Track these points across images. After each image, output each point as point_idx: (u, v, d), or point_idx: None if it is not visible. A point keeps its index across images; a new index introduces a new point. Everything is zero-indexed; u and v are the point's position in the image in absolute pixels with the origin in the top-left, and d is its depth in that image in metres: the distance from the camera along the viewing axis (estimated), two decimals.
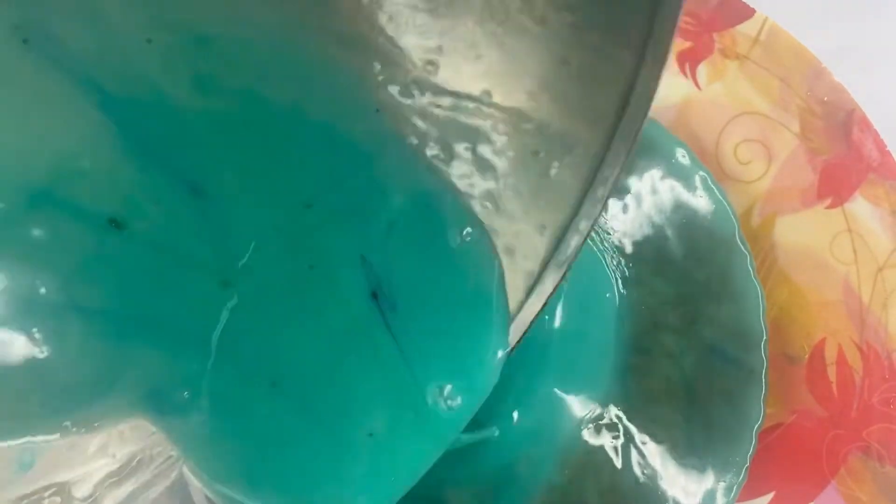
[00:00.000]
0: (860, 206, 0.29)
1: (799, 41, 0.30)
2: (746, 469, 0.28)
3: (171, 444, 0.20)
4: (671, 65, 0.32)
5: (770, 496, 0.29)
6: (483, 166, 0.22)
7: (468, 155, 0.22)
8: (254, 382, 0.21)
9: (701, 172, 0.29)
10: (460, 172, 0.22)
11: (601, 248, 0.31)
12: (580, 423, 0.29)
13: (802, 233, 0.30)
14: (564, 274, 0.22)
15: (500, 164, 0.22)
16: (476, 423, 0.27)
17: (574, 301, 0.30)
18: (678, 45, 0.31)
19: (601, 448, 0.29)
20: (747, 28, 0.31)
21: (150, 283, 0.20)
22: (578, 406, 0.29)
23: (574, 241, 0.21)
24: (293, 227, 0.21)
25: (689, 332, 0.29)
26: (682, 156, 0.29)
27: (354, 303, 0.21)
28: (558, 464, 0.28)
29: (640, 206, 0.30)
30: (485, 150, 0.22)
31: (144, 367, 0.20)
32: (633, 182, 0.30)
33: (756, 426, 0.28)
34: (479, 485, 0.29)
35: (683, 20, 0.31)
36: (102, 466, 0.21)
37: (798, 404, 0.30)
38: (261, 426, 0.21)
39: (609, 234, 0.30)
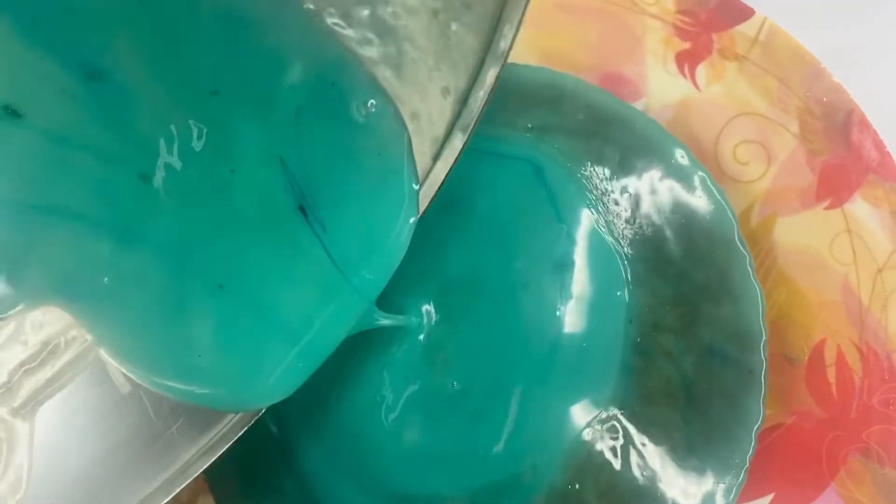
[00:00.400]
0: (860, 207, 0.29)
1: (798, 41, 0.30)
2: (746, 470, 0.28)
3: (85, 329, 0.20)
4: (670, 65, 0.32)
5: (769, 498, 0.29)
6: (383, 30, 0.22)
7: (368, 19, 0.22)
8: (171, 270, 0.21)
9: (700, 173, 0.29)
10: (360, 38, 0.22)
11: (615, 240, 0.30)
12: (584, 426, 0.29)
13: (802, 234, 0.30)
14: (469, 136, 0.22)
15: (401, 26, 0.22)
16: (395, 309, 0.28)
17: (585, 299, 0.29)
18: (677, 45, 0.31)
19: (601, 450, 0.28)
20: (746, 28, 0.30)
21: (56, 172, 0.20)
22: (583, 409, 0.29)
23: (478, 103, 0.22)
24: (203, 118, 0.21)
25: (687, 332, 0.29)
26: (681, 156, 0.29)
27: (274, 195, 0.21)
28: (561, 468, 0.28)
29: (638, 206, 0.30)
30: (385, 13, 0.22)
31: (56, 253, 0.20)
32: (632, 182, 0.30)
33: (756, 427, 0.28)
34: (481, 497, 0.29)
35: (682, 21, 0.31)
36: (17, 354, 0.21)
37: (797, 405, 0.29)
38: (178, 311, 0.21)
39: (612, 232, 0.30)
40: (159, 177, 0.20)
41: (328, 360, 0.22)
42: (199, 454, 0.22)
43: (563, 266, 0.30)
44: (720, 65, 0.31)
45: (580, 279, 0.30)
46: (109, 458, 0.21)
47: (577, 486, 0.28)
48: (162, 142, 0.20)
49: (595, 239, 0.30)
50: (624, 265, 0.30)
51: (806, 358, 0.30)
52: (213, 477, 0.31)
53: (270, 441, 0.30)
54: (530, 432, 0.28)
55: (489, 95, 0.22)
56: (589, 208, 0.30)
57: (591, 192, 0.30)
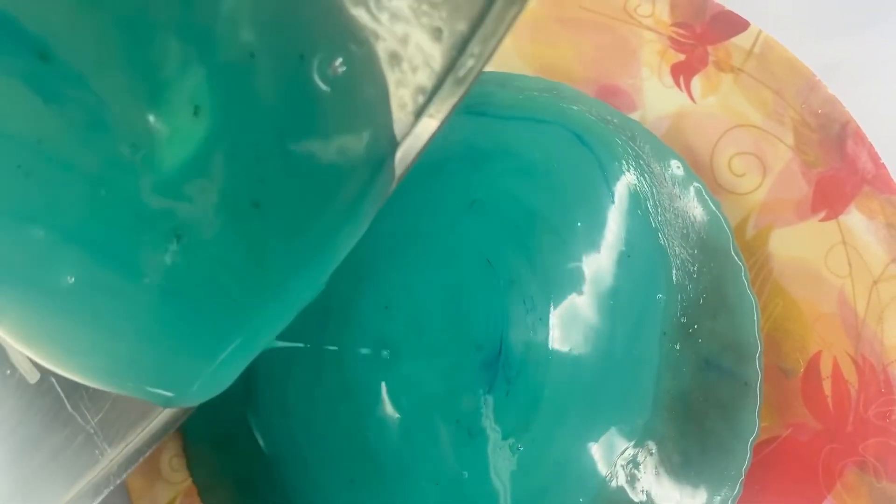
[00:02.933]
0: (855, 219, 0.29)
1: (793, 54, 0.30)
2: (741, 483, 0.28)
3: None
4: (666, 77, 0.32)
5: None
6: None
7: None
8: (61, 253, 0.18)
9: (696, 183, 0.29)
10: None
11: (660, 225, 0.29)
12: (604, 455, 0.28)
13: (797, 245, 0.30)
14: (463, 94, 0.18)
15: None
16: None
17: (624, 303, 0.28)
18: (673, 57, 0.31)
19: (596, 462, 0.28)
20: (741, 41, 0.31)
21: None
22: (609, 441, 0.28)
23: (476, 51, 0.17)
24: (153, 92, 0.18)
25: (685, 343, 0.29)
26: (676, 167, 0.29)
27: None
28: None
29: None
30: None
31: None
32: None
33: (751, 439, 0.28)
34: None
35: (678, 33, 0.31)
36: None
37: (793, 418, 0.29)
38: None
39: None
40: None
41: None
42: (125, 455, 0.19)
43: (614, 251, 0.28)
44: (715, 77, 0.31)
45: (629, 270, 0.28)
46: (19, 460, 0.19)
47: (571, 498, 0.28)
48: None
49: (644, 224, 0.29)
50: (668, 260, 0.29)
51: (802, 370, 0.29)
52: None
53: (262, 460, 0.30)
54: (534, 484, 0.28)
55: (493, 51, 0.18)
56: (636, 187, 0.29)
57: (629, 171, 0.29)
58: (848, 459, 0.28)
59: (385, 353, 0.29)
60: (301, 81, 0.18)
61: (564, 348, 0.28)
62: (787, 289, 0.30)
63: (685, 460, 0.28)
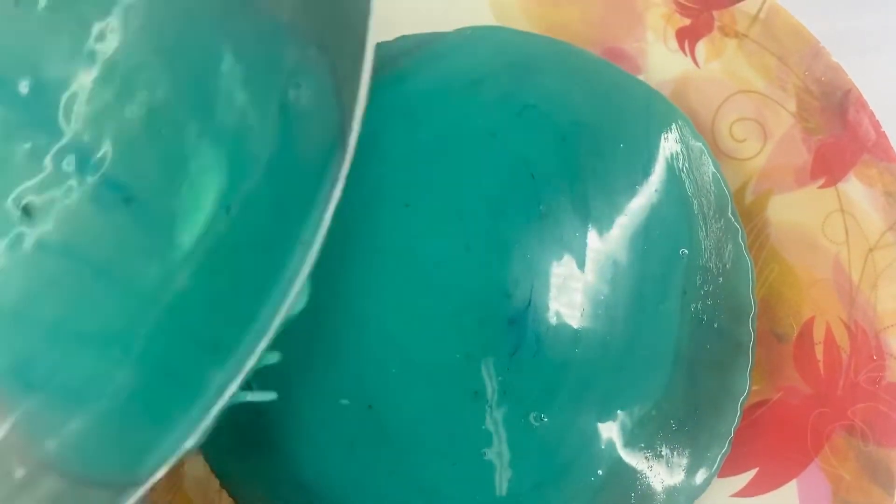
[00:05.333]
0: (853, 187, 0.29)
1: (798, 20, 0.30)
2: (730, 441, 0.28)
3: None
4: (671, 41, 0.32)
5: (753, 473, 0.29)
6: None
7: None
8: None
9: (700, 143, 0.29)
10: None
11: (684, 176, 0.28)
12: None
13: (795, 212, 0.30)
14: None
15: None
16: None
17: (654, 252, 0.27)
18: (678, 21, 0.31)
19: None
20: (747, 6, 0.31)
21: None
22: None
23: None
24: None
25: (696, 304, 0.28)
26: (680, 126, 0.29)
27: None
28: None
29: None
30: None
31: None
32: None
33: (741, 399, 0.28)
34: None
35: None
36: None
37: (784, 381, 0.30)
38: None
39: None
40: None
41: None
42: None
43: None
44: (720, 42, 0.31)
45: (660, 215, 0.27)
46: None
47: None
48: None
49: (672, 169, 0.28)
50: (692, 214, 0.28)
51: (795, 335, 0.30)
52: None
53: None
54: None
55: None
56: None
57: None
58: (836, 423, 0.29)
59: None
60: None
61: (599, 298, 0.26)
62: (783, 254, 0.30)
63: (681, 420, 0.28)
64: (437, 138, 0.28)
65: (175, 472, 0.31)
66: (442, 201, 0.27)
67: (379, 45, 0.28)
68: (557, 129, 0.27)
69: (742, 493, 0.29)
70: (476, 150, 0.27)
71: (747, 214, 0.31)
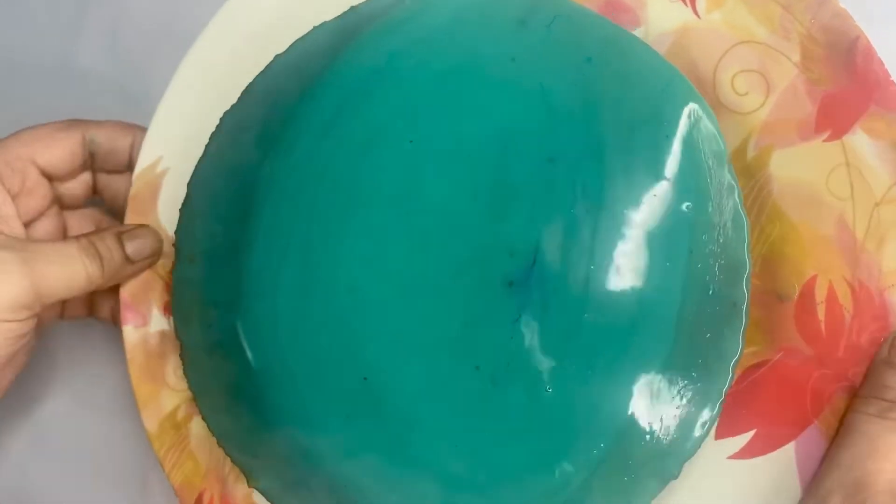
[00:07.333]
0: (859, 140, 0.28)
1: None
2: (721, 402, 0.27)
3: None
4: None
5: (751, 434, 0.29)
6: None
7: None
8: None
9: (697, 98, 0.28)
10: None
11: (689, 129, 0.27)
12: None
13: (799, 167, 0.29)
14: None
15: None
16: None
17: (659, 206, 0.26)
18: None
19: None
20: None
21: None
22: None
23: None
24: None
25: (701, 264, 0.28)
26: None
27: None
28: None
29: None
30: None
31: None
32: None
33: (734, 360, 0.27)
34: None
35: None
36: None
37: (785, 342, 0.29)
38: None
39: None
40: None
41: None
42: None
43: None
44: None
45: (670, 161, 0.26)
46: None
47: None
48: None
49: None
50: (700, 165, 0.27)
51: (796, 295, 0.29)
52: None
53: None
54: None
55: None
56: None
57: None
58: (837, 385, 0.28)
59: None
60: None
61: (607, 256, 0.25)
62: (785, 211, 0.29)
63: (678, 384, 0.27)
64: (452, 67, 0.27)
65: (182, 432, 0.32)
66: (449, 139, 0.26)
67: None
68: (579, 55, 0.26)
69: (739, 455, 0.28)
70: (492, 77, 0.26)
71: (749, 171, 0.29)
